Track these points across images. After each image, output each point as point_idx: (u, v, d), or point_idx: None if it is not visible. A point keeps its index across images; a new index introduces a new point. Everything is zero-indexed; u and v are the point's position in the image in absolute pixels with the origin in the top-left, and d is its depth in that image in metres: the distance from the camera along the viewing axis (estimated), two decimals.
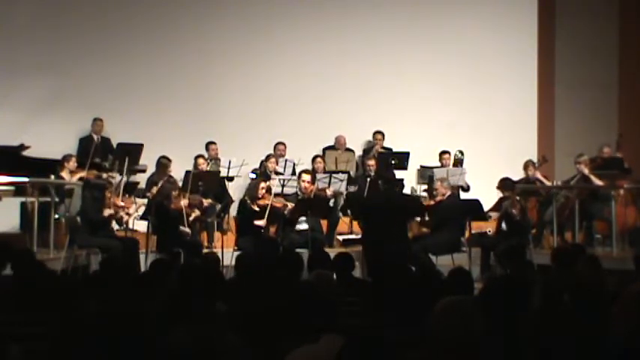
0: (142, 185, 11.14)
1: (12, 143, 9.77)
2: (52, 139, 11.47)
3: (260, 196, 10.26)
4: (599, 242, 10.55)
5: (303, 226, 10.30)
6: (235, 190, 11.75)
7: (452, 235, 9.81)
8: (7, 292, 5.29)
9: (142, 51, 12.77)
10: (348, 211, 10.89)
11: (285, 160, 12.10)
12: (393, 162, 11.90)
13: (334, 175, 11.16)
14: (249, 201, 10.24)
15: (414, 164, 12.26)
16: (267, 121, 12.90)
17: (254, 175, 11.53)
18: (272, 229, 10.21)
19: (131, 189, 10.88)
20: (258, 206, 10.16)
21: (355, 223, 10.78)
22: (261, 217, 10.06)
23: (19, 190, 9.51)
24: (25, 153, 9.57)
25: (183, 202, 10.00)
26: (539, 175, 11.10)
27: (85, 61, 12.44)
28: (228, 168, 11.39)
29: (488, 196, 10.56)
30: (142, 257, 9.54)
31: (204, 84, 12.96)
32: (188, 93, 12.90)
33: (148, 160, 11.40)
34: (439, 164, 12.09)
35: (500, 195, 10.37)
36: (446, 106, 13.35)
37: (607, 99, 13.96)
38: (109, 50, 12.60)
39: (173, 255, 9.05)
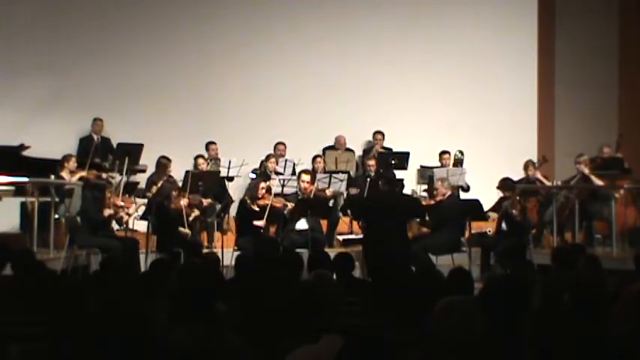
0: (142, 185, 11.15)
1: (12, 143, 9.78)
2: (52, 139, 11.47)
3: (260, 196, 10.26)
4: (599, 242, 10.55)
5: (303, 226, 10.30)
6: (235, 190, 11.74)
7: (452, 235, 9.82)
8: (7, 292, 5.29)
9: (142, 51, 12.77)
10: (348, 212, 10.88)
11: (285, 160, 12.09)
12: (393, 162, 11.91)
13: (334, 175, 11.14)
14: (249, 201, 10.24)
15: (414, 164, 12.27)
16: (267, 121, 12.89)
17: (254, 175, 11.52)
18: (272, 229, 10.22)
19: (131, 189, 10.89)
20: (258, 206, 10.16)
21: (355, 223, 10.78)
22: (261, 217, 10.06)
23: (19, 190, 9.51)
24: (25, 153, 9.57)
25: (183, 202, 9.99)
26: (539, 175, 11.10)
27: (85, 61, 12.44)
28: (228, 168, 11.38)
29: (488, 196, 10.56)
30: (142, 257, 9.56)
31: (204, 84, 12.95)
32: (188, 93, 12.90)
33: (148, 160, 11.40)
34: (439, 164, 12.08)
35: (501, 195, 10.36)
36: (446, 106, 13.34)
37: (607, 99, 13.94)
38: (109, 50, 12.61)
39: (173, 255, 9.04)
